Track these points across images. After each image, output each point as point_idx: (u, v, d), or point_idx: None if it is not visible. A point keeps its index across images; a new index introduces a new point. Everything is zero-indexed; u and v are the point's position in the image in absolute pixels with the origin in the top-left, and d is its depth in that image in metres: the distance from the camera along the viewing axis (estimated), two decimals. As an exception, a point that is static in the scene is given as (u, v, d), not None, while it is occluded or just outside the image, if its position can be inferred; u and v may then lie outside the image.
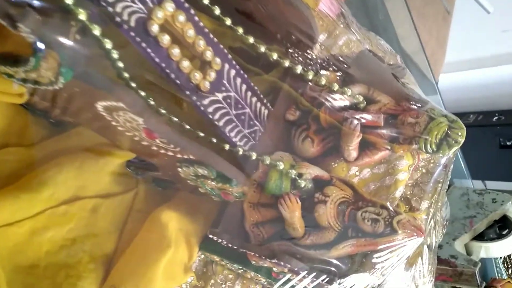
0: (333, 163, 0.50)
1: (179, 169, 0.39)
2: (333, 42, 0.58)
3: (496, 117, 2.04)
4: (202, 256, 0.56)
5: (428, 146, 0.44)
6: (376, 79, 0.48)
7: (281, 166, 0.44)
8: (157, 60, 0.36)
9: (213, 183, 0.39)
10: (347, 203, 0.43)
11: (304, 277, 0.41)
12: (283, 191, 0.43)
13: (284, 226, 0.44)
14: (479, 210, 1.02)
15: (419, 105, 0.45)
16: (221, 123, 0.42)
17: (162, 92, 0.42)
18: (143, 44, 0.35)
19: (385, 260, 0.41)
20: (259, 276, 0.47)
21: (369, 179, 0.54)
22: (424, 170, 0.57)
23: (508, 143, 2.02)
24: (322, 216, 0.43)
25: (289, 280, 0.44)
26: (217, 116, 0.42)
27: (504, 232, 0.99)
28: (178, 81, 0.38)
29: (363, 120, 0.45)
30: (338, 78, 0.49)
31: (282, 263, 0.41)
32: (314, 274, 0.41)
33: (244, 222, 0.46)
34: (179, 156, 0.37)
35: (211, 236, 0.44)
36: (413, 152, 0.53)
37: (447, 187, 0.63)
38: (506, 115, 2.04)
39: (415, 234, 0.40)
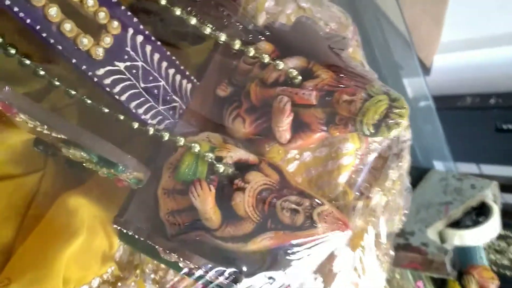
0: (267, 146, 0.45)
1: (64, 151, 0.34)
2: (280, 11, 0.52)
3: (493, 100, 1.98)
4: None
5: (365, 128, 0.38)
6: (313, 51, 0.42)
7: (197, 148, 0.38)
8: (29, 21, 0.30)
9: (102, 169, 0.34)
10: (269, 190, 0.38)
11: (206, 273, 0.37)
12: (197, 177, 0.38)
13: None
14: (456, 196, 0.97)
15: (359, 81, 0.39)
16: (123, 98, 0.37)
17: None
18: (7, 2, 0.29)
19: (303, 257, 0.36)
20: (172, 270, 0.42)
21: (310, 163, 0.48)
22: (376, 154, 0.52)
23: (505, 127, 1.96)
24: (239, 205, 0.37)
25: (201, 276, 0.39)
26: (117, 89, 0.36)
27: (481, 219, 0.94)
28: (60, 47, 0.32)
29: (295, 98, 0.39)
30: (274, 50, 0.43)
31: (182, 259, 0.37)
32: (217, 271, 0.36)
33: (158, 210, 0.41)
34: (54, 134, 0.32)
35: (115, 226, 0.39)
36: (360, 135, 0.47)
37: (404, 173, 0.57)
38: (504, 98, 1.97)
39: (339, 228, 0.35)
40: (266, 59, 0.41)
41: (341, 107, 0.39)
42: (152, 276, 0.53)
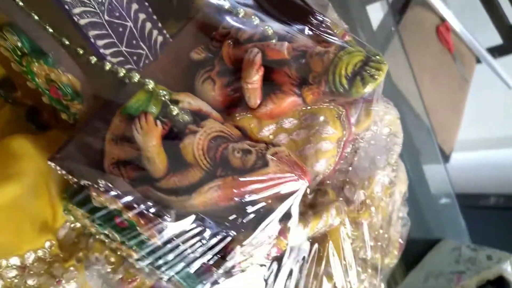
0: (237, 115, 0.41)
1: (2, 49, 0.31)
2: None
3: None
4: (78, 225, 0.46)
5: (338, 81, 0.34)
6: (288, 10, 0.39)
7: (151, 85, 0.35)
8: None
9: (34, 66, 0.31)
10: (225, 139, 0.33)
11: (131, 207, 0.30)
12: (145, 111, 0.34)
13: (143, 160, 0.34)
14: (470, 266, 0.86)
15: (336, 42, 0.36)
16: (82, 22, 0.35)
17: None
18: None
19: (253, 210, 0.30)
20: (100, 228, 0.36)
21: (286, 146, 0.43)
22: (362, 154, 0.46)
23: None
24: (188, 148, 0.33)
25: (138, 234, 0.33)
26: (77, 10, 0.34)
27: (498, 296, 0.82)
28: None
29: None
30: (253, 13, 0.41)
31: (103, 183, 0.31)
32: (144, 204, 0.30)
33: (103, 159, 0.36)
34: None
35: (49, 162, 0.35)
36: (343, 122, 0.43)
37: (398, 192, 0.51)
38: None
39: (293, 171, 0.29)
40: (241, 13, 0.39)
41: (314, 61, 0.36)
42: (98, 268, 0.47)
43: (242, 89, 0.38)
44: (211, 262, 0.31)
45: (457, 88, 1.73)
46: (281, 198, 0.30)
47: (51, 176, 0.40)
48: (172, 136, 0.34)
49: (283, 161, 0.30)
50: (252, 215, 0.30)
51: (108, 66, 0.35)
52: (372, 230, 0.49)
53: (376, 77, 0.33)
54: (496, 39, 1.72)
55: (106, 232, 0.40)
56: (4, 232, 0.39)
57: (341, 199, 0.43)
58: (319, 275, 0.39)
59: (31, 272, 0.43)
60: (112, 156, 0.36)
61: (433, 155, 1.23)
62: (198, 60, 0.42)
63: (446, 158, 1.64)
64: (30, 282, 0.43)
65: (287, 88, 0.37)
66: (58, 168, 0.34)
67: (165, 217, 0.29)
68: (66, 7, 0.34)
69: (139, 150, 0.35)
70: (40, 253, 0.43)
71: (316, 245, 0.40)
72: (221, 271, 0.30)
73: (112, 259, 0.48)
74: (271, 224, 0.31)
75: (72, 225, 0.46)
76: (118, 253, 0.47)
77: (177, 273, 0.32)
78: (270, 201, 0.31)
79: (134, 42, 0.38)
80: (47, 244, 0.43)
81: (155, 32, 0.40)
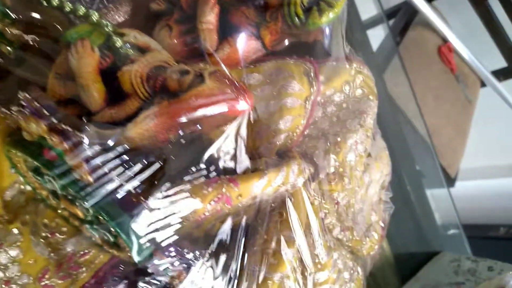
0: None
1: None
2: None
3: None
4: (28, 188, 0.43)
5: (293, 11, 0.31)
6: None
7: (95, 17, 0.33)
8: None
9: None
10: (168, 70, 0.31)
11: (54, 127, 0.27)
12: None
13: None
14: (469, 277, 0.80)
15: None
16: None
17: None
18: None
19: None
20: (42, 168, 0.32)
21: (248, 102, 0.40)
22: (334, 119, 0.43)
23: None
24: (125, 76, 0.30)
25: (68, 168, 0.30)
26: None
27: (501, 309, 0.75)
28: None
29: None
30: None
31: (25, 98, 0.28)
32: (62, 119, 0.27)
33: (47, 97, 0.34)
34: None
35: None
36: (311, 79, 0.40)
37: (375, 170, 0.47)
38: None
39: (231, 90, 0.26)
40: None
41: (270, -3, 0.33)
42: (46, 235, 0.43)
43: (198, 32, 0.36)
44: (138, 190, 0.27)
45: (461, 109, 1.70)
46: (222, 124, 0.27)
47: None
48: (113, 68, 0.31)
49: (222, 80, 0.27)
50: (189, 146, 0.27)
51: (55, 2, 0.33)
52: (348, 209, 0.45)
53: (334, 6, 0.30)
54: (500, 62, 1.70)
55: (48, 185, 0.37)
56: None
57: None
58: (278, 238, 0.35)
59: (-31, 231, 0.39)
60: (54, 93, 0.33)
61: (436, 178, 1.18)
62: (158, 11, 0.40)
63: (451, 181, 1.58)
64: (-34, 243, 0.39)
65: (245, 30, 0.35)
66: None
67: (85, 127, 0.27)
68: None
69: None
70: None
71: (275, 207, 0.36)
72: (150, 202, 0.27)
73: (64, 229, 0.45)
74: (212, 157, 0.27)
75: (22, 187, 0.43)
76: (71, 222, 0.43)
77: (99, 202, 0.28)
78: (210, 133, 0.28)
79: (85, -15, 0.37)
80: (-9, 202, 0.40)
81: (111, -21, 0.38)
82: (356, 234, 0.46)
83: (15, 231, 0.41)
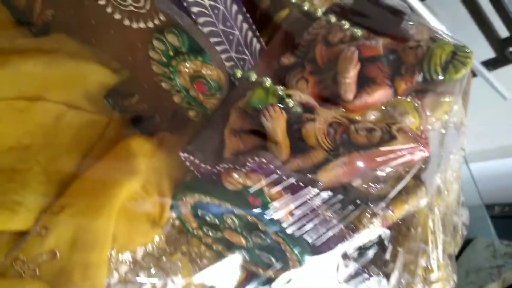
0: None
1: (151, 54, 0.36)
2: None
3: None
4: (178, 222, 0.49)
5: (433, 70, 0.39)
6: (375, 21, 0.45)
7: (268, 82, 0.39)
8: None
9: (185, 64, 0.35)
10: (339, 124, 0.38)
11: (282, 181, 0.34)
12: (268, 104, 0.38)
13: (267, 147, 0.38)
14: (507, 259, 0.90)
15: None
16: (205, 30, 0.39)
17: None
18: None
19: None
20: (234, 209, 0.39)
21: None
22: (435, 141, 0.51)
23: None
24: (310, 133, 0.37)
25: (267, 203, 0.37)
26: (201, 20, 0.39)
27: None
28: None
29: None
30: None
31: (254, 159, 0.35)
32: (294, 178, 0.34)
33: (223, 151, 0.40)
34: (149, 24, 0.34)
35: (182, 154, 0.38)
36: (420, 112, 0.48)
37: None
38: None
39: (419, 142, 0.34)
40: (333, 19, 0.44)
41: (406, 54, 0.41)
42: (198, 260, 0.50)
43: (337, 83, 0.43)
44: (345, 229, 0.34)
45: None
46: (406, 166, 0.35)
47: (163, 173, 0.44)
48: (290, 125, 0.38)
49: (409, 134, 0.34)
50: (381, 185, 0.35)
51: (239, 73, 0.40)
52: (445, 217, 0.54)
53: (467, 63, 0.38)
54: (489, 53, 1.81)
55: (217, 221, 0.44)
56: (122, 227, 0.42)
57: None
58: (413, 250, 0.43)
59: (142, 265, 0.45)
60: (233, 147, 0.40)
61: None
62: (287, 65, 0.47)
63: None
64: (141, 274, 0.45)
65: (380, 80, 0.42)
66: (191, 158, 0.38)
67: (317, 182, 0.34)
68: (193, 17, 0.38)
69: (257, 141, 0.39)
70: (149, 247, 0.46)
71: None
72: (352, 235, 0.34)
73: (208, 254, 0.51)
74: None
75: (173, 222, 0.49)
76: (214, 248, 0.50)
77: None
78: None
79: (240, 49, 0.43)
80: (157, 238, 0.46)
81: (254, 40, 0.45)
82: (449, 236, 0.55)
83: (178, 261, 0.47)
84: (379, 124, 0.36)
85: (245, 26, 0.44)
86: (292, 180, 0.34)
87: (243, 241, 0.44)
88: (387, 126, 0.35)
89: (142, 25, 0.34)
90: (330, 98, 0.44)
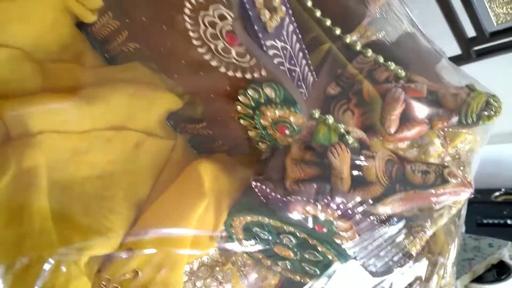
0: (370, 140, 0.51)
1: (240, 98, 0.39)
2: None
3: (472, 196, 2.10)
4: (224, 234, 0.54)
5: (469, 116, 0.45)
6: (416, 61, 0.50)
7: (331, 120, 0.44)
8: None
9: (274, 111, 0.39)
10: (393, 162, 0.44)
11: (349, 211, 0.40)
12: (332, 143, 0.43)
13: (327, 181, 0.43)
14: (476, 253, 1.02)
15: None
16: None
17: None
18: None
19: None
20: (297, 232, 0.44)
21: (402, 162, 0.54)
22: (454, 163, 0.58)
23: (485, 221, 2.05)
24: (371, 170, 0.42)
25: (333, 231, 0.42)
26: (276, 61, 0.42)
27: (503, 277, 0.98)
28: (250, 13, 0.39)
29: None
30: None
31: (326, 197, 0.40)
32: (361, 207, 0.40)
33: (285, 178, 0.45)
34: (248, 76, 0.37)
35: (253, 183, 0.43)
36: (443, 141, 0.55)
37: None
38: (482, 194, 2.10)
39: (466, 185, 0.40)
40: (381, 59, 0.49)
41: (446, 99, 0.47)
42: (242, 269, 0.55)
43: (382, 118, 0.48)
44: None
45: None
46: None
47: (223, 194, 0.48)
48: (352, 161, 0.43)
49: (458, 178, 0.41)
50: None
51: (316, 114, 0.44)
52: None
53: (497, 113, 0.45)
54: (455, 50, 1.92)
55: (270, 238, 0.49)
56: (189, 242, 0.46)
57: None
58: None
59: (199, 276, 0.50)
60: (294, 175, 0.45)
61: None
62: (333, 95, 0.52)
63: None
64: (198, 284, 0.50)
65: (420, 119, 0.48)
66: (262, 187, 0.42)
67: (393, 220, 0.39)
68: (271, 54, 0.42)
69: (316, 171, 0.44)
70: (205, 259, 0.50)
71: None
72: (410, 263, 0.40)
73: (249, 262, 0.56)
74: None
75: (222, 234, 0.54)
76: (255, 256, 0.55)
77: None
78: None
79: (299, 83, 0.47)
80: (212, 251, 0.50)
81: (309, 74, 0.49)
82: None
83: (229, 271, 0.52)
84: (432, 167, 0.42)
85: (304, 62, 0.48)
86: (360, 215, 0.40)
87: (292, 255, 0.49)
88: (440, 169, 0.41)
89: (239, 74, 0.37)
90: (373, 129, 0.50)
